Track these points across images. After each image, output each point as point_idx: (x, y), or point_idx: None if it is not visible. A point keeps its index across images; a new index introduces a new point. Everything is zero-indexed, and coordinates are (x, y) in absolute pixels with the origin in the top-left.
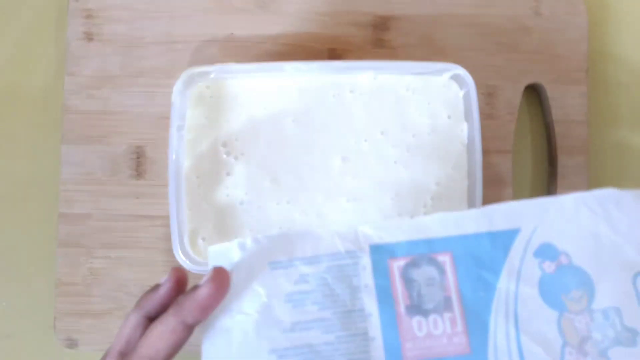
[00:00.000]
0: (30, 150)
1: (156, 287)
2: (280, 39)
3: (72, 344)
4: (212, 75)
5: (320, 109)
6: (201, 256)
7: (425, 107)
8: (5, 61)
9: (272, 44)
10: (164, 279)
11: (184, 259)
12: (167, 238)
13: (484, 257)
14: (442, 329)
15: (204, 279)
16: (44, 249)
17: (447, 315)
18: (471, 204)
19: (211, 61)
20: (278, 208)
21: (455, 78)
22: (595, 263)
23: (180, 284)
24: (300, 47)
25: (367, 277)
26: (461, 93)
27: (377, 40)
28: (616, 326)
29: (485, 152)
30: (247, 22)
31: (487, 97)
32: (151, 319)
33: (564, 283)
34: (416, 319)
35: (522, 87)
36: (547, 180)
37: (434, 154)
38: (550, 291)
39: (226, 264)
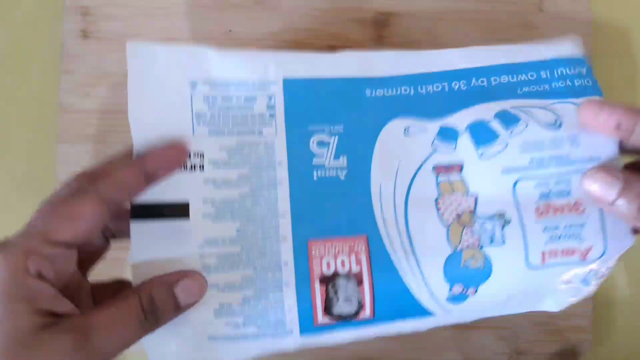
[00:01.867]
0: (25, 150)
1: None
2: (279, 35)
3: None
4: None
5: None
6: None
7: None
8: (0, 59)
9: (270, 40)
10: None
11: None
12: None
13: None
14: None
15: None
16: None
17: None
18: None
19: None
20: None
21: None
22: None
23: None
24: (300, 44)
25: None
26: None
27: (378, 37)
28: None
29: None
30: (245, 19)
31: None
32: None
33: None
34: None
35: None
36: None
37: None
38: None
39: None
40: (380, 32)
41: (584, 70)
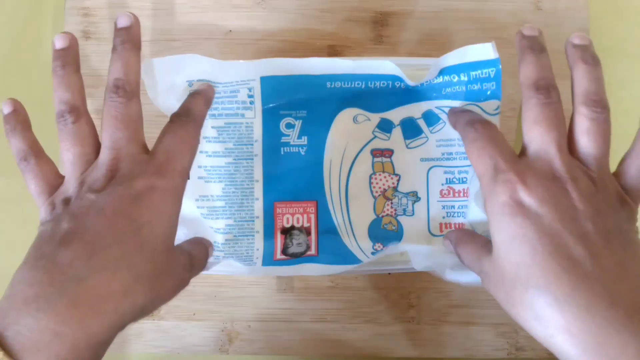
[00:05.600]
0: None
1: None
2: (278, 35)
3: None
4: None
5: None
6: None
7: None
8: (2, 60)
9: (270, 40)
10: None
11: None
12: None
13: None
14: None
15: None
16: None
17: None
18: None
19: None
20: None
21: None
22: None
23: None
24: (299, 44)
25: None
26: None
27: (377, 37)
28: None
29: None
30: (245, 19)
31: None
32: None
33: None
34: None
35: None
36: None
37: None
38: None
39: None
40: (380, 32)
41: (492, 73)
